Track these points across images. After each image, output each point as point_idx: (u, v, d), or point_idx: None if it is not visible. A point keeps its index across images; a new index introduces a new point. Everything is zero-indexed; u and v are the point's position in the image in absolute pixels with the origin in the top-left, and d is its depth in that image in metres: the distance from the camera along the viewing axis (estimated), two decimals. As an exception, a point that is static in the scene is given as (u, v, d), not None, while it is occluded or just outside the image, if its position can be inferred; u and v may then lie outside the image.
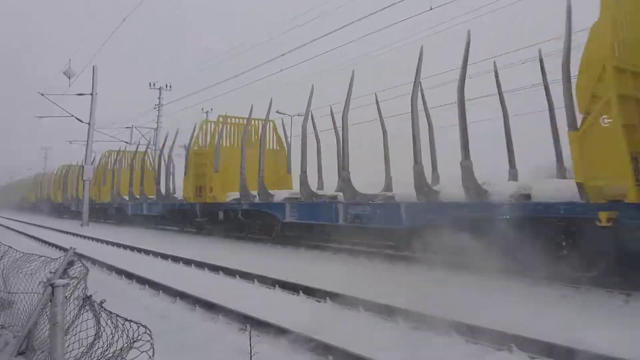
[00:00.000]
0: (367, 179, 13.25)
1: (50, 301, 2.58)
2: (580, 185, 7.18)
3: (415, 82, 10.17)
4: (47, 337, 3.80)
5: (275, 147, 19.07)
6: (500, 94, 11.23)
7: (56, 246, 15.27)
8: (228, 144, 18.61)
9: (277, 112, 25.22)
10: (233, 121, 19.10)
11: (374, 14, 15.69)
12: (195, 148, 18.98)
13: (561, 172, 10.11)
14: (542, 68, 10.64)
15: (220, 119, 18.75)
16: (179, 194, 20.42)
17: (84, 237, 19.72)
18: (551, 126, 10.47)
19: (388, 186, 12.49)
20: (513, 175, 10.84)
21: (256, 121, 18.35)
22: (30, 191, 54.41)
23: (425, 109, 11.54)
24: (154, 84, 40.45)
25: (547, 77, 10.72)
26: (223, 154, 17.77)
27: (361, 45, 19.59)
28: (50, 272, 5.37)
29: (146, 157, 28.31)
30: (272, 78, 25.23)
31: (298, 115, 17.05)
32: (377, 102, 13.42)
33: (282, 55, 22.33)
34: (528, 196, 8.39)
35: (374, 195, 11.76)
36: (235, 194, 16.58)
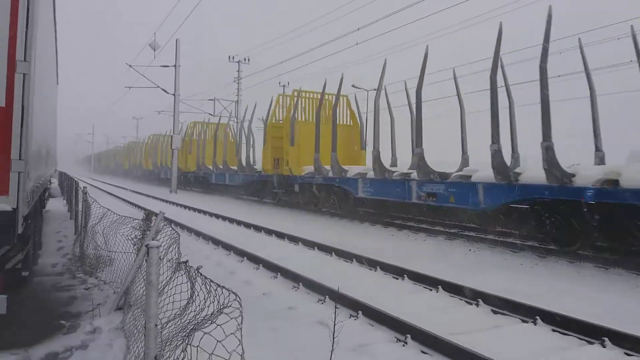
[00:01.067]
0: (446, 158, 13.05)
1: (146, 261, 2.74)
2: None
3: (495, 57, 9.80)
4: (142, 295, 4.10)
5: (348, 123, 19.25)
6: (587, 70, 10.62)
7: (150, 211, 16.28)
8: (303, 119, 18.94)
9: (353, 86, 25.01)
10: (307, 95, 19.32)
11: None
12: (273, 121, 19.58)
13: None
14: (636, 45, 9.87)
15: (295, 93, 19.04)
16: (259, 166, 21.34)
17: (174, 203, 20.91)
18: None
19: (465, 165, 12.27)
20: (600, 158, 10.35)
21: (330, 96, 18.38)
22: (124, 158, 58.41)
23: (507, 86, 11.09)
24: (233, 57, 41.43)
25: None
26: (298, 128, 18.17)
27: (438, 19, 18.74)
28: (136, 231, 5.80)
29: (228, 129, 29.70)
30: (347, 52, 24.93)
31: (374, 89, 16.76)
32: (455, 77, 13.05)
33: (357, 29, 21.94)
34: (616, 182, 7.95)
35: (448, 174, 11.68)
36: (311, 168, 17.06)
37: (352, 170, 15.23)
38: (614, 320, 4.81)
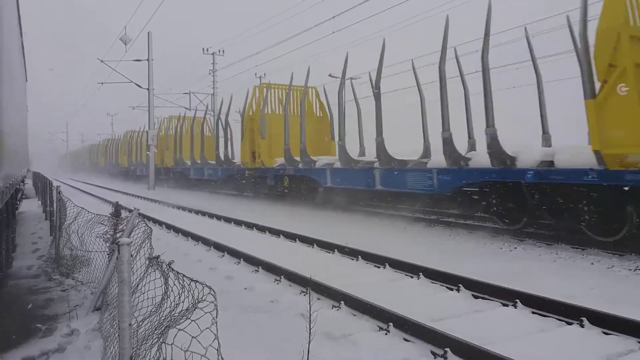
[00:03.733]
0: (409, 146, 13.42)
1: (117, 259, 2.67)
2: (597, 153, 7.35)
3: (442, 48, 10.38)
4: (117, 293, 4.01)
5: (318, 114, 19.30)
6: (533, 59, 11.11)
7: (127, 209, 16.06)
8: (274, 111, 19.07)
9: (330, 75, 24.89)
10: (277, 88, 19.42)
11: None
12: (250, 113, 19.56)
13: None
14: (572, 35, 10.26)
15: (264, 87, 19.18)
16: (238, 159, 21.35)
17: (152, 200, 20.66)
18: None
19: (427, 152, 12.55)
20: (546, 140, 10.86)
21: (299, 88, 18.43)
22: (101, 156, 57.49)
23: (461, 76, 11.42)
24: (207, 49, 40.87)
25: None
26: (269, 121, 18.33)
27: (410, 6, 18.83)
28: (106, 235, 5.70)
29: (204, 123, 29.10)
30: (323, 41, 24.80)
31: (351, 78, 16.74)
32: (413, 68, 13.31)
33: (333, 17, 21.83)
34: (551, 163, 8.57)
35: (408, 161, 12.14)
36: (282, 160, 17.30)
37: (321, 160, 15.51)
38: (593, 300, 4.89)
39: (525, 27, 11.40)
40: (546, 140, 10.83)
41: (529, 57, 11.17)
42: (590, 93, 7.42)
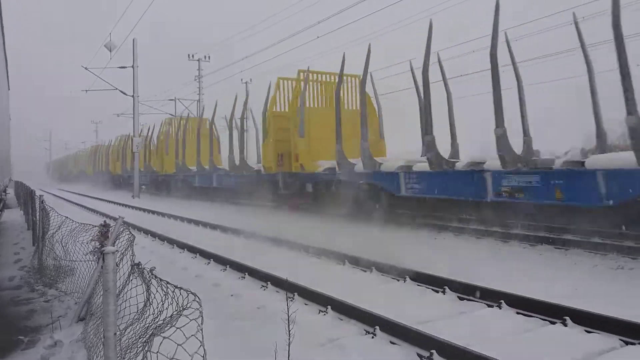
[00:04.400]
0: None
1: (102, 268, 2.65)
2: None
3: (426, 55, 10.11)
4: (101, 303, 3.97)
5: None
6: (514, 63, 10.50)
7: (109, 216, 15.90)
8: (311, 105, 15.67)
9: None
10: (314, 78, 15.97)
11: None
12: (274, 109, 16.28)
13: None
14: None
15: (302, 75, 15.51)
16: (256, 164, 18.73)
17: (138, 208, 20.37)
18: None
19: (455, 153, 11.63)
20: (527, 142, 10.00)
21: (349, 78, 15.42)
22: (89, 163, 54.58)
23: (444, 79, 11.47)
24: (192, 56, 40.75)
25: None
26: (308, 116, 15.02)
27: (391, 13, 18.99)
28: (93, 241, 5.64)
29: (213, 126, 24.71)
30: (307, 46, 24.82)
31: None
32: (412, 69, 12.77)
33: (318, 22, 21.93)
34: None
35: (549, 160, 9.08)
36: (327, 163, 13.98)
37: (388, 162, 12.08)
38: (576, 299, 4.96)
39: (505, 33, 11.34)
40: (527, 142, 10.24)
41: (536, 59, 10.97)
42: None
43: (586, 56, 9.31)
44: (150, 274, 2.59)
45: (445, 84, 11.59)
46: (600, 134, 8.87)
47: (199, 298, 2.18)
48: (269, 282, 6.50)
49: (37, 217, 8.95)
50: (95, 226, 6.27)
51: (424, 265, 6.55)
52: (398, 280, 6.43)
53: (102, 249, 2.68)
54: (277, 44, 26.61)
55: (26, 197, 15.79)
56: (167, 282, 2.39)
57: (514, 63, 10.16)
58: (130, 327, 2.97)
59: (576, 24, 9.73)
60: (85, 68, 29.38)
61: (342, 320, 4.94)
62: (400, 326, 4.34)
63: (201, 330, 2.11)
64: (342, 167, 13.02)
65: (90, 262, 5.62)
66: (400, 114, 14.41)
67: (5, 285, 6.95)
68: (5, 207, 14.83)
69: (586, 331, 4.36)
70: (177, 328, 2.20)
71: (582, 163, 7.99)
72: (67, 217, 7.29)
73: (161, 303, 2.40)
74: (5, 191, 12.74)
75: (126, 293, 3.23)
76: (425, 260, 6.97)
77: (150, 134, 32.61)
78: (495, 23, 8.93)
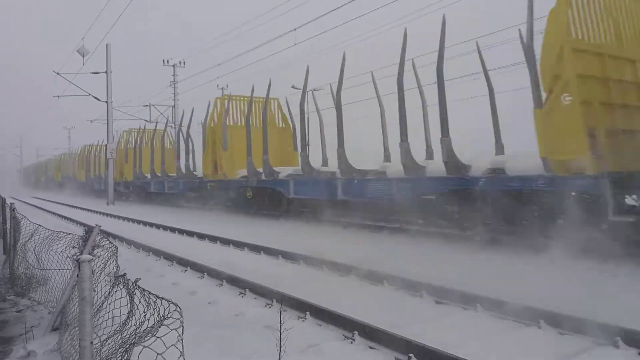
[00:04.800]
0: (370, 156, 13.58)
1: (78, 276, 2.63)
2: (545, 160, 7.76)
3: (401, 61, 10.65)
4: (77, 312, 3.91)
5: (281, 125, 19.41)
6: (485, 71, 11.55)
7: (84, 224, 15.61)
8: (235, 123, 19.12)
9: (293, 87, 25.05)
10: (240, 99, 19.42)
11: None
12: (212, 125, 19.44)
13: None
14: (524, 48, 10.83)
15: (226, 98, 19.29)
16: (200, 172, 21.09)
17: (112, 215, 20.12)
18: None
19: (387, 161, 12.91)
20: (500, 148, 11.25)
21: (261, 100, 18.34)
22: (56, 171, 55.49)
23: (419, 87, 11.93)
24: (167, 61, 40.37)
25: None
26: (231, 133, 18.33)
27: (367, 21, 19.27)
28: (74, 248, 5.55)
29: (165, 135, 28.95)
30: (286, 52, 24.97)
31: (314, 90, 17.01)
32: (373, 80, 13.63)
33: (295, 29, 22.01)
34: (502, 170, 8.91)
35: (369, 171, 12.36)
36: (244, 172, 17.18)
37: (284, 171, 15.53)
38: (549, 302, 5.06)
39: (476, 41, 11.90)
40: (499, 147, 11.22)
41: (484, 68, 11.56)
42: (537, 102, 7.80)
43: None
44: (134, 285, 2.58)
45: (420, 91, 12.00)
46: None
47: (179, 308, 2.19)
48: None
49: (8, 225, 8.74)
50: (69, 234, 6.16)
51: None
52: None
53: (78, 257, 2.65)
54: (253, 50, 26.63)
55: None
56: (149, 293, 2.38)
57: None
58: (112, 338, 2.94)
59: (479, 51, 11.49)
60: (57, 73, 28.80)
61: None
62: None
63: (181, 340, 2.11)
64: (252, 175, 16.66)
65: (64, 271, 5.52)
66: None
67: (-25, 295, 6.75)
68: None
69: (560, 333, 4.47)
70: (157, 337, 2.19)
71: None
72: (39, 225, 7.14)
73: (143, 314, 2.39)
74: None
75: (110, 304, 3.19)
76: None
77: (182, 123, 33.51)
78: (402, 52, 10.52)
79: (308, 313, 5.22)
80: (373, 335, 4.40)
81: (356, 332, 4.50)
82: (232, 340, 4.57)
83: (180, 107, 36.85)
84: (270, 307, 5.73)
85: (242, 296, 6.39)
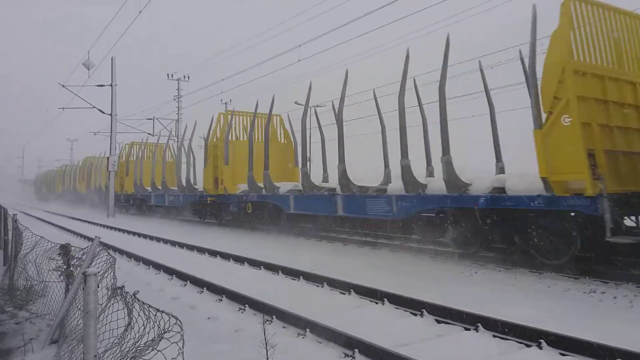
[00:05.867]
0: (371, 172, 13.82)
1: (83, 289, 2.62)
2: (545, 180, 7.81)
3: (402, 80, 10.73)
4: (77, 325, 3.90)
5: (282, 141, 19.55)
6: (486, 90, 11.68)
7: (84, 236, 15.60)
8: (238, 138, 19.34)
9: (295, 102, 25.21)
10: (242, 115, 19.78)
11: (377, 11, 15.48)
12: (214, 140, 19.62)
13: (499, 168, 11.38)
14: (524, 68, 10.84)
15: (229, 114, 19.55)
16: (201, 185, 21.23)
17: (113, 228, 20.09)
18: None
19: (387, 179, 12.97)
20: (500, 168, 11.35)
21: (263, 116, 18.54)
22: (58, 182, 55.67)
23: (420, 105, 11.97)
24: (172, 75, 40.70)
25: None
26: (233, 147, 18.46)
27: (372, 38, 19.46)
28: (63, 260, 5.52)
29: (166, 149, 29.29)
30: (289, 69, 25.14)
31: (316, 106, 17.20)
32: (375, 98, 13.75)
33: (299, 46, 22.20)
34: (502, 189, 8.96)
35: (369, 188, 12.43)
36: (245, 186, 17.28)
37: (285, 186, 15.59)
38: (550, 322, 5.05)
39: (479, 61, 11.99)
40: (500, 168, 11.28)
41: (485, 88, 11.70)
42: (538, 123, 7.85)
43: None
44: (133, 297, 2.58)
45: (421, 109, 12.07)
46: None
47: (180, 321, 2.18)
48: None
49: (10, 236, 8.73)
50: (73, 246, 6.15)
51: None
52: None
53: (84, 270, 2.65)
54: (257, 66, 26.78)
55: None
56: (149, 306, 2.38)
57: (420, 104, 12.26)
58: (110, 351, 2.92)
59: (481, 70, 11.69)
60: (63, 86, 29.00)
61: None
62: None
63: (182, 353, 2.10)
64: (252, 190, 16.71)
65: (63, 284, 5.50)
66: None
67: (-27, 307, 6.72)
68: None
69: (561, 354, 4.45)
70: (158, 351, 2.19)
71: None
72: (42, 237, 7.14)
73: (143, 327, 2.39)
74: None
75: (106, 317, 3.18)
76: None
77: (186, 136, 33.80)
78: (404, 71, 10.63)
79: (308, 330, 5.19)
80: (373, 353, 4.36)
81: (356, 350, 4.47)
82: (232, 355, 4.54)
83: (184, 121, 37.12)
84: (270, 324, 5.70)
85: (242, 312, 6.36)
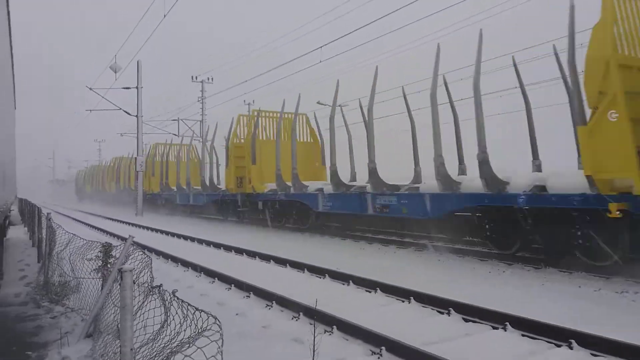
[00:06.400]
0: (400, 171, 13.62)
1: (120, 285, 2.72)
2: (589, 178, 7.50)
3: (434, 76, 10.54)
4: (112, 320, 4.02)
5: (309, 140, 19.56)
6: (522, 86, 11.32)
7: (116, 235, 15.98)
8: (264, 137, 19.23)
9: (318, 102, 25.25)
10: (268, 115, 19.68)
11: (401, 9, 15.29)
12: (235, 141, 19.90)
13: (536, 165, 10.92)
14: (559, 63, 10.59)
15: (255, 113, 19.58)
16: (223, 185, 21.80)
17: (142, 227, 20.54)
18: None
19: (417, 177, 12.77)
20: (537, 166, 10.97)
21: (290, 115, 18.51)
22: (87, 183, 56.78)
23: (451, 102, 11.71)
24: (196, 77, 41.21)
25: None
26: (259, 147, 18.47)
27: (396, 37, 19.29)
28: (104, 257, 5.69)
29: (191, 149, 30.45)
30: (312, 69, 25.17)
31: (340, 105, 17.16)
32: (404, 95, 13.50)
33: (320, 47, 22.22)
34: (543, 187, 8.63)
35: (400, 186, 12.23)
36: (273, 185, 17.33)
37: (313, 185, 15.57)
38: (580, 323, 4.97)
39: (512, 56, 11.70)
40: (536, 165, 10.94)
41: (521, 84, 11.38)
42: (580, 120, 7.59)
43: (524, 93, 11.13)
44: (172, 295, 2.66)
45: (452, 106, 11.80)
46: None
47: (219, 321, 2.25)
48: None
49: (44, 234, 9.01)
50: (104, 244, 6.32)
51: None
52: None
53: (120, 267, 2.74)
54: (280, 67, 26.89)
55: (31, 215, 15.85)
56: (188, 304, 2.46)
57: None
58: (146, 346, 3.02)
59: (515, 66, 11.29)
60: (90, 88, 29.67)
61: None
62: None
63: (221, 352, 2.17)
64: (280, 189, 16.66)
65: (97, 280, 5.66)
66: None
67: (11, 301, 6.98)
68: (10, 224, 14.89)
69: (592, 354, 4.38)
70: (198, 347, 2.25)
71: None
72: (74, 235, 7.35)
73: (179, 324, 2.46)
74: (10, 208, 12.79)
75: (143, 314, 3.28)
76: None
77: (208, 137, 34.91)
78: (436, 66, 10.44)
79: (335, 327, 5.23)
80: (400, 350, 4.38)
81: (383, 348, 4.49)
82: (261, 351, 4.62)
83: (208, 122, 37.58)
84: (297, 320, 5.76)
85: (269, 308, 6.44)
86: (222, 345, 2.16)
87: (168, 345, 2.57)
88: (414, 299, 6.38)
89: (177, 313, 2.55)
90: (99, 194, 49.10)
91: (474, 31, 9.88)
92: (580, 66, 7.61)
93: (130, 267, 2.67)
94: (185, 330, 2.44)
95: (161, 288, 2.89)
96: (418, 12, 15.55)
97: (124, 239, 5.42)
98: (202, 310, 2.37)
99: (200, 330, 2.29)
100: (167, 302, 2.74)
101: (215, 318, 2.27)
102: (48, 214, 9.04)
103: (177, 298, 2.61)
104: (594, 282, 7.47)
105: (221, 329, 2.19)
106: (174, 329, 2.55)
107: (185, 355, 2.31)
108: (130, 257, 4.89)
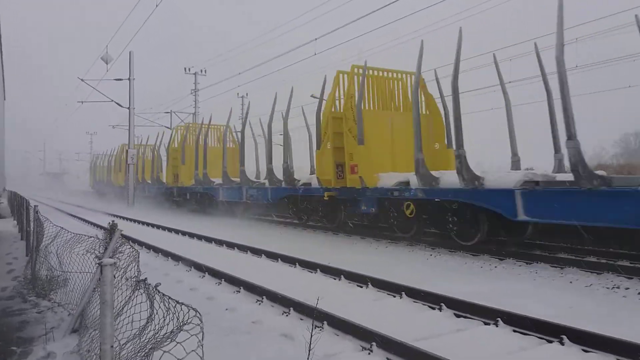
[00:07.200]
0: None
1: (100, 280, 2.64)
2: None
3: (455, 62, 10.10)
4: (98, 316, 3.94)
5: (424, 112, 13.29)
6: (502, 84, 11.55)
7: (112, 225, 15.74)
8: (370, 107, 13.05)
9: (312, 96, 25.17)
10: (372, 74, 13.27)
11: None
12: (332, 110, 13.07)
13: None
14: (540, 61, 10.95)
15: (359, 70, 12.79)
16: (301, 176, 16.31)
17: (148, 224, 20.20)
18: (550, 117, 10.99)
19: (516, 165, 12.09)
20: (515, 163, 11.28)
21: (406, 75, 13.61)
22: (89, 174, 51.74)
23: (442, 97, 12.42)
24: (189, 69, 41.01)
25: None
26: (369, 120, 12.40)
27: (388, 31, 19.25)
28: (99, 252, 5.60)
29: (229, 133, 23.34)
30: (306, 62, 25.03)
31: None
32: (497, 67, 12.72)
33: (315, 39, 22.10)
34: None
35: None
36: (392, 176, 11.85)
37: (444, 177, 10.30)
38: (572, 318, 4.95)
39: (494, 54, 11.90)
40: (515, 162, 11.09)
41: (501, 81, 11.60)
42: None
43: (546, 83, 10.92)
44: (154, 289, 2.59)
45: (504, 91, 11.75)
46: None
47: (199, 314, 2.18)
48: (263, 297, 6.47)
49: (31, 227, 8.89)
50: (91, 237, 6.22)
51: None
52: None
53: (100, 260, 2.67)
54: (274, 59, 26.78)
55: (19, 208, 15.68)
56: (169, 298, 2.39)
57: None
58: (131, 342, 2.95)
59: (538, 54, 11.16)
60: (82, 80, 29.43)
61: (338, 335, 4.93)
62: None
63: (201, 345, 2.11)
64: (423, 182, 10.41)
65: (85, 274, 5.58)
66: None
67: (-3, 295, 6.87)
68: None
69: (583, 350, 4.36)
70: (178, 342, 2.19)
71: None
72: (62, 228, 7.24)
73: (162, 319, 2.39)
74: (-1, 200, 12.62)
75: (130, 309, 3.21)
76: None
77: (158, 142, 30.62)
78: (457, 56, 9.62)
79: (325, 322, 5.17)
80: (391, 346, 4.33)
81: (374, 343, 4.44)
82: (250, 347, 4.56)
83: (201, 114, 37.36)
84: (287, 316, 5.71)
85: (259, 304, 6.38)
86: (202, 339, 2.10)
87: (151, 340, 2.51)
88: (406, 294, 6.35)
89: (160, 307, 2.49)
90: (103, 188, 42.52)
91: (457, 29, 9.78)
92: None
93: (110, 261, 2.59)
94: (167, 325, 2.38)
95: (146, 282, 2.82)
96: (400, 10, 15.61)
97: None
98: (183, 304, 2.31)
99: (181, 325, 2.23)
100: (150, 297, 2.67)
101: (196, 311, 2.21)
102: (35, 207, 8.92)
103: (159, 291, 2.55)
104: (585, 277, 7.47)
105: (202, 322, 2.13)
106: (158, 324, 2.48)
107: (165, 352, 2.25)
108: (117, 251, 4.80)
